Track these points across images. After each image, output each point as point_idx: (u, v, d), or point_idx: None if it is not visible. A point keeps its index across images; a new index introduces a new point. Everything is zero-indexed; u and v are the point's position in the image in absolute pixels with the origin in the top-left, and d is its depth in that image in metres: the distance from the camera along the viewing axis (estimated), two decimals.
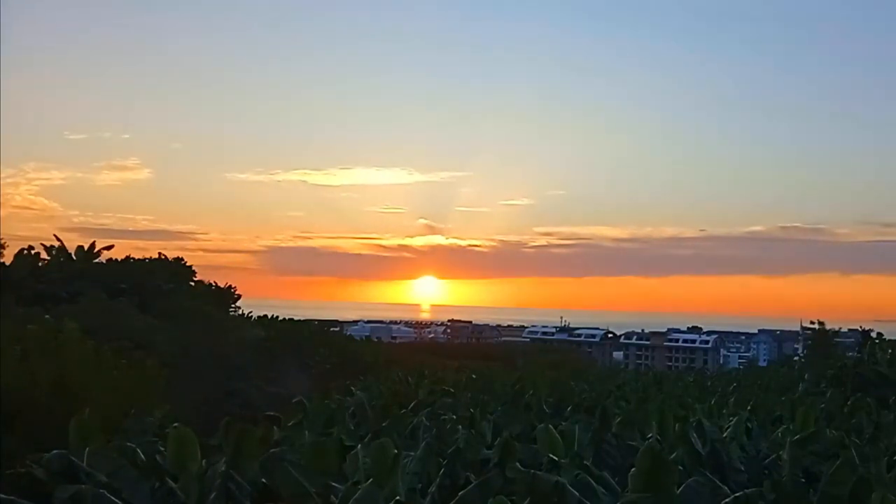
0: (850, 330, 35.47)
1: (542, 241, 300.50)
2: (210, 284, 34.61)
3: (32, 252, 28.65)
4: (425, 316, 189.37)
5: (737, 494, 5.37)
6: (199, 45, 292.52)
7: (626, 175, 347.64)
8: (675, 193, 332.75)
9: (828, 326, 39.80)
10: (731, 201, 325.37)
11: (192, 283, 33.02)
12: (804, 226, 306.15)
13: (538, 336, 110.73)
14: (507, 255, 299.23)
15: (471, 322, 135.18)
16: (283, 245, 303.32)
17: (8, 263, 27.05)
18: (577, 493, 5.39)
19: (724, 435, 9.19)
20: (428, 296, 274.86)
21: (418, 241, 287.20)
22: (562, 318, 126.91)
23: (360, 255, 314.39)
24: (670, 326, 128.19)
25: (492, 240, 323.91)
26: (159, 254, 33.34)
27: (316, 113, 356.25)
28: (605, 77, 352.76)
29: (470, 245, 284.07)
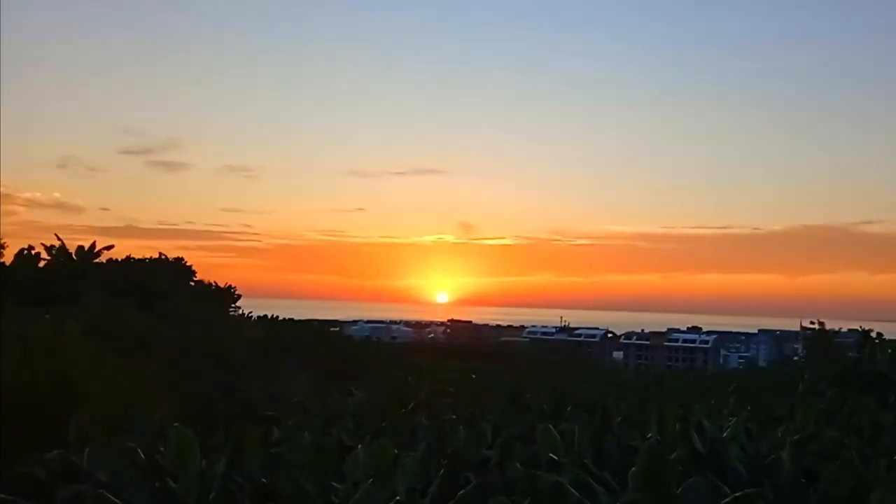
0: (849, 330, 35.50)
1: (559, 239, 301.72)
2: (210, 284, 34.67)
3: (33, 252, 28.71)
4: (438, 315, 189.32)
5: (737, 494, 5.36)
6: (240, 38, 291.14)
7: (637, 173, 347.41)
8: (689, 194, 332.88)
9: (827, 326, 39.92)
10: (747, 200, 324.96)
11: (192, 283, 33.09)
12: (827, 224, 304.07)
13: (538, 336, 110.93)
14: (521, 254, 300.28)
15: (471, 322, 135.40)
16: (296, 244, 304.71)
17: (8, 263, 27.09)
18: (576, 493, 5.39)
19: (724, 435, 9.19)
20: (439, 295, 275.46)
21: (427, 240, 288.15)
22: (562, 317, 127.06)
23: (370, 253, 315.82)
24: (670, 326, 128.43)
25: (506, 238, 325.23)
26: (160, 254, 33.38)
27: (339, 114, 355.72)
28: (618, 72, 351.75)
29: (481, 244, 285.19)
